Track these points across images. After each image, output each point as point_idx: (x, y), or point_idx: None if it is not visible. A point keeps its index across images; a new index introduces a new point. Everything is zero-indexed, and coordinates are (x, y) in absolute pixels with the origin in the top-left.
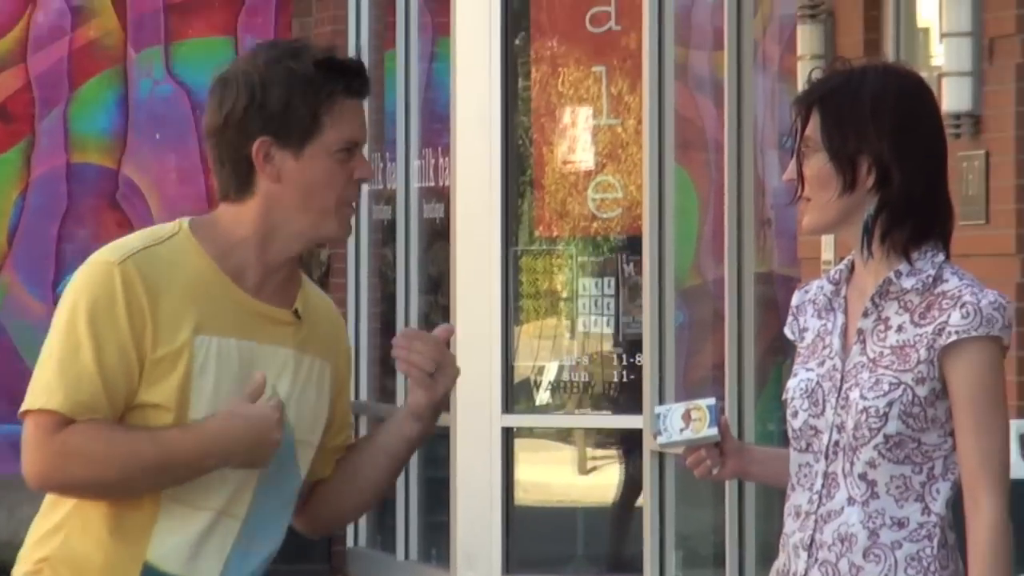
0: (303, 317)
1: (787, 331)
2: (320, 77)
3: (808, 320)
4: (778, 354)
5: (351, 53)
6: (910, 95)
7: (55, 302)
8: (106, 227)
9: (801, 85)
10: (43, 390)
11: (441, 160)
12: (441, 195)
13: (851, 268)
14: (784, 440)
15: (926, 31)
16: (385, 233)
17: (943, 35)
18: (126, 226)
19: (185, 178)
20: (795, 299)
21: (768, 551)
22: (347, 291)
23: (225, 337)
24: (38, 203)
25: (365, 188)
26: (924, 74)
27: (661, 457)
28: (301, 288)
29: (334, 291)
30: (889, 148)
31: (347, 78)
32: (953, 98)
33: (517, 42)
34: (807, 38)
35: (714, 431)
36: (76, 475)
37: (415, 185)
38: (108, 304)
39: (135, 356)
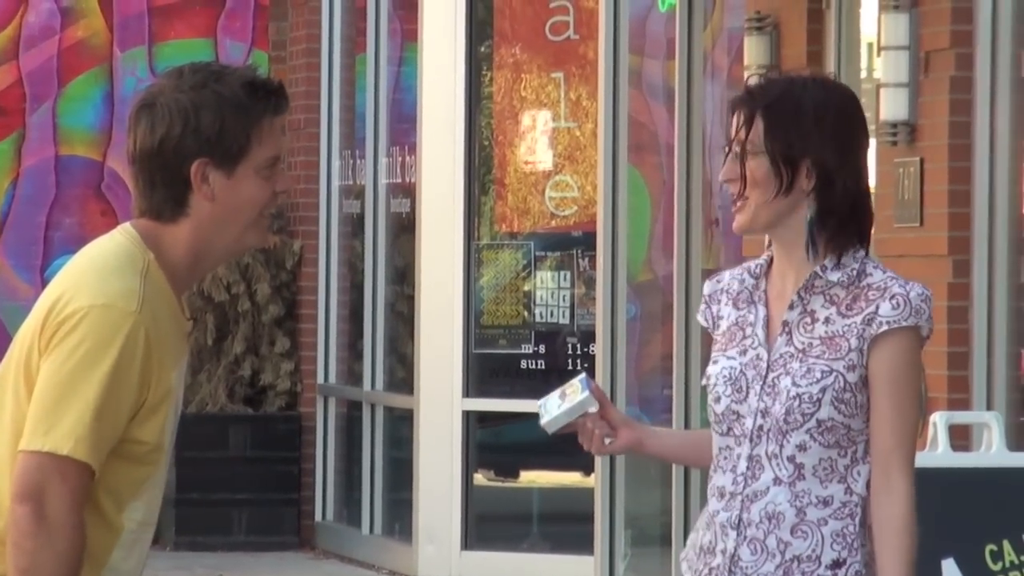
0: None
1: (700, 318)
2: (248, 99)
3: (722, 309)
4: None
5: (323, 57)
6: (848, 106)
7: (43, 286)
8: (91, 216)
9: None
10: (70, 435)
11: (408, 158)
12: (408, 191)
13: (769, 263)
14: None
15: (866, 44)
16: (354, 226)
17: (882, 48)
18: (111, 215)
19: None
20: (707, 288)
21: None
22: (318, 280)
23: (181, 365)
24: (28, 193)
25: (336, 184)
26: (865, 85)
27: None
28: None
29: (305, 280)
30: (832, 154)
31: (270, 100)
32: (890, 107)
33: (482, 48)
34: (754, 49)
35: (586, 394)
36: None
37: (383, 181)
38: (131, 360)
39: (137, 403)
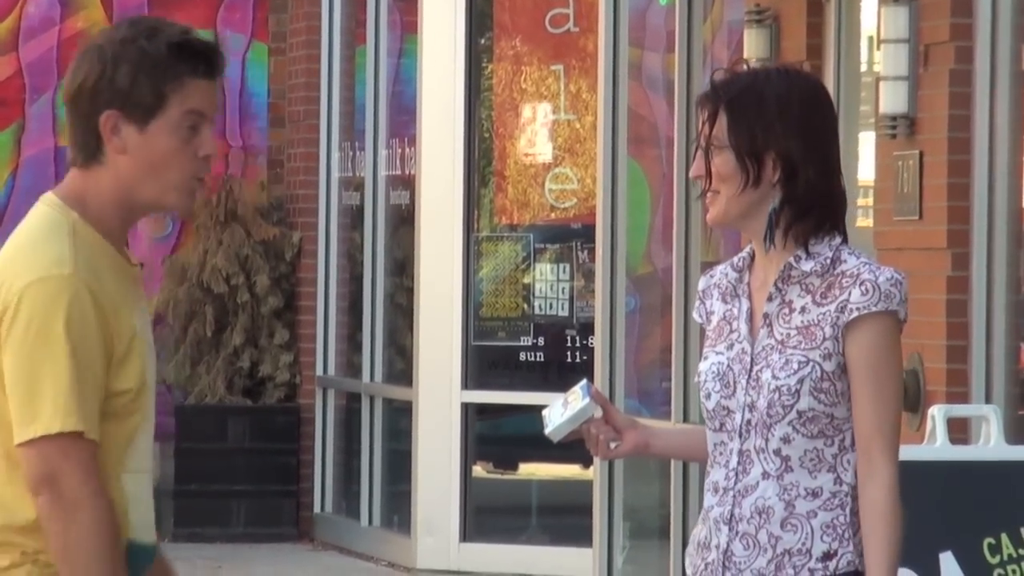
0: None
1: (695, 315)
2: (169, 59)
3: (714, 304)
4: None
5: (323, 48)
6: (812, 96)
7: None
8: None
9: None
10: (56, 413)
11: (408, 150)
12: (407, 183)
13: (752, 256)
14: None
15: (866, 37)
16: (354, 218)
17: (881, 41)
18: None
19: None
20: (701, 283)
21: None
22: (317, 271)
23: (140, 311)
24: (27, 183)
25: (335, 175)
26: (865, 78)
27: None
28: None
29: (304, 271)
30: (796, 145)
31: (196, 62)
32: (890, 101)
33: (482, 41)
34: (753, 42)
35: (587, 401)
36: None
37: (383, 173)
38: (83, 319)
39: (106, 357)
